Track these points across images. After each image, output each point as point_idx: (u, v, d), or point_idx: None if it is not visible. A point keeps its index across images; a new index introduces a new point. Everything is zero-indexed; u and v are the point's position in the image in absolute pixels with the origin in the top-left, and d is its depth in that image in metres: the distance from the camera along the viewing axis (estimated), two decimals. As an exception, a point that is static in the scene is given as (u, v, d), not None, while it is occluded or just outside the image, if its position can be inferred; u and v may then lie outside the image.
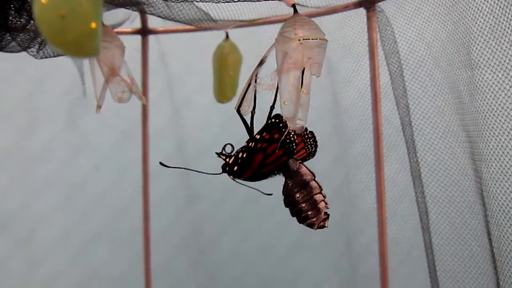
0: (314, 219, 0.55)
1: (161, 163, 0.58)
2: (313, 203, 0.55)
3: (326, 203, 0.55)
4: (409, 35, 0.82)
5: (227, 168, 0.56)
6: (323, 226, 0.56)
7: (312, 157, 0.60)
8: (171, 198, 1.17)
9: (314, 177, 0.56)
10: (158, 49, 1.07)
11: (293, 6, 0.57)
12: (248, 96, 0.57)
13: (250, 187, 0.58)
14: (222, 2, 0.60)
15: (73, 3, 0.33)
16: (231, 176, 0.56)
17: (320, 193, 0.56)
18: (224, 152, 0.57)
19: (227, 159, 0.56)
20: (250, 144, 0.55)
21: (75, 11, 0.33)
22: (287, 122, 0.52)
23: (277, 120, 0.54)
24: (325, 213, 0.55)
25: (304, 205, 0.55)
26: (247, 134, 0.58)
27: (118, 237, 1.15)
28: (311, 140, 0.59)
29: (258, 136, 0.55)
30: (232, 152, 0.57)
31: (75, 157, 1.13)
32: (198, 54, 1.06)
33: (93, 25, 0.34)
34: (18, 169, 1.09)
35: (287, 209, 0.57)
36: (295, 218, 0.57)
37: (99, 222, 1.14)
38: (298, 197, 0.55)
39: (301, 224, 0.56)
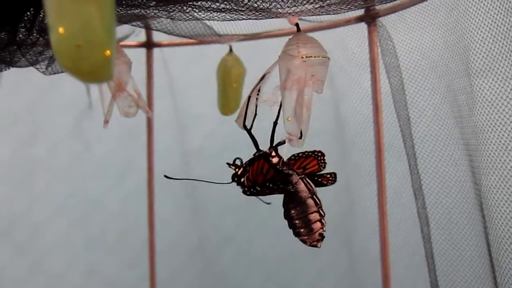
0: (305, 237, 0.56)
1: (165, 176, 0.60)
2: (306, 221, 0.56)
3: (323, 224, 0.56)
4: (410, 48, 0.83)
5: (236, 178, 0.58)
6: (315, 246, 0.56)
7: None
8: (177, 207, 1.19)
9: (313, 194, 0.56)
10: (163, 61, 1.09)
11: (296, 24, 0.59)
12: (249, 110, 0.59)
13: (262, 200, 0.59)
14: (228, 20, 0.62)
15: (89, 34, 0.35)
16: (239, 186, 0.58)
17: (318, 211, 0.56)
18: (234, 162, 0.58)
19: (237, 170, 0.58)
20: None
21: (91, 41, 0.35)
22: (287, 139, 0.54)
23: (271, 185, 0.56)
24: (320, 234, 0.56)
25: (298, 222, 0.56)
26: (249, 143, 0.59)
27: (121, 246, 1.16)
28: (321, 158, 0.60)
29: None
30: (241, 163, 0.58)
31: (79, 167, 1.14)
32: (202, 65, 1.07)
33: (108, 53, 0.35)
34: (21, 177, 1.11)
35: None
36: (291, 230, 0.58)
37: (102, 230, 1.15)
38: (293, 213, 0.56)
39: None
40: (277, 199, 0.58)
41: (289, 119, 0.53)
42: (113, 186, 1.16)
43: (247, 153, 0.59)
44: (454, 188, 0.80)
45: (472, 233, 0.77)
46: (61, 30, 0.34)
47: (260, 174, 0.56)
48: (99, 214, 1.15)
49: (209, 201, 1.19)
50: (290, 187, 0.56)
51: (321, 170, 0.60)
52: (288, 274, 1.22)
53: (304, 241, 0.57)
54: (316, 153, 0.60)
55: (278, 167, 0.56)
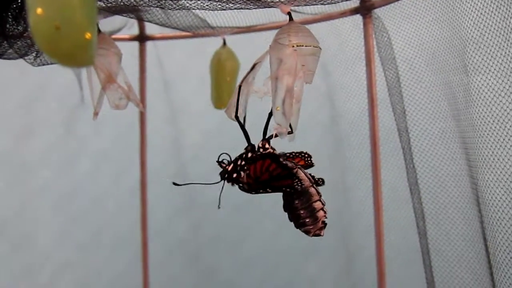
0: (311, 227, 0.56)
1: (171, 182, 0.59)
2: (311, 210, 0.55)
3: (325, 212, 0.56)
4: (406, 40, 0.82)
5: (226, 175, 0.57)
6: (318, 235, 0.56)
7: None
8: (169, 202, 1.18)
9: (313, 183, 0.56)
10: (155, 54, 1.08)
11: (289, 13, 0.58)
12: (241, 101, 0.58)
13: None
14: (219, 10, 0.61)
15: (67, 14, 0.33)
16: (230, 183, 0.57)
17: (319, 200, 0.56)
18: (222, 160, 0.57)
19: (227, 167, 0.57)
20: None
21: (69, 22, 0.33)
22: (277, 132, 0.53)
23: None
24: (323, 222, 0.56)
25: (303, 212, 0.56)
26: (242, 138, 0.58)
27: (115, 242, 1.15)
28: (308, 159, 0.60)
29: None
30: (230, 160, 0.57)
31: (72, 162, 1.13)
32: (195, 58, 1.06)
33: (88, 35, 0.34)
34: (15, 173, 1.10)
35: (281, 214, 0.58)
36: (291, 223, 0.57)
37: (96, 227, 1.14)
38: (297, 203, 0.55)
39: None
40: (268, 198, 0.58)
41: (278, 109, 0.52)
42: (108, 183, 1.15)
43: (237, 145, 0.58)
44: (450, 183, 0.79)
45: (468, 228, 0.76)
46: (39, 11, 0.33)
47: (265, 172, 0.55)
48: (94, 212, 1.14)
49: (205, 198, 1.18)
50: (297, 182, 0.55)
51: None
52: (284, 272, 1.21)
53: (308, 231, 0.56)
54: (303, 154, 0.60)
55: (288, 165, 0.55)
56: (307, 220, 0.55)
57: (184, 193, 1.19)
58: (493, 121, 0.64)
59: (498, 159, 0.64)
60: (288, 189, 0.55)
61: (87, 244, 1.14)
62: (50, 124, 1.11)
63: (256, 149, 0.57)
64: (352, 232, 1.13)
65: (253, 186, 0.56)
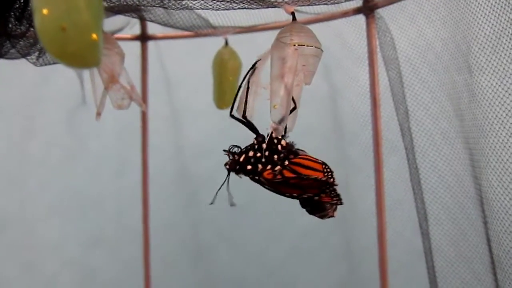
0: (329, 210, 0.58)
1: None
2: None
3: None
4: (409, 40, 0.82)
5: (238, 167, 0.55)
6: (332, 216, 0.58)
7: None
8: (170, 202, 1.17)
9: None
10: (157, 54, 1.07)
11: (292, 13, 0.57)
12: (249, 100, 0.58)
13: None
14: (222, 10, 0.60)
15: (74, 15, 0.33)
16: (240, 174, 0.55)
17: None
18: (230, 150, 0.56)
19: (236, 157, 0.55)
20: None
21: (76, 23, 0.33)
22: (272, 129, 0.53)
23: None
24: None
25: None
26: (246, 138, 0.58)
27: (116, 241, 1.15)
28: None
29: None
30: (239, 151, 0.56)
31: (73, 161, 1.13)
32: (197, 58, 1.06)
33: (94, 36, 0.34)
34: (16, 173, 1.09)
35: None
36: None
37: (97, 226, 1.14)
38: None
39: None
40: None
41: (275, 107, 0.52)
42: (109, 183, 1.15)
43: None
44: (454, 183, 0.79)
45: (471, 228, 0.76)
46: (45, 11, 0.33)
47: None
48: (94, 212, 1.14)
49: (205, 196, 1.18)
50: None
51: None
52: (286, 271, 1.20)
53: (327, 214, 0.58)
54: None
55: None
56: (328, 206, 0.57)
57: (185, 192, 1.19)
58: (497, 121, 0.64)
59: (502, 160, 0.63)
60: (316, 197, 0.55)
61: (87, 244, 1.14)
62: (51, 122, 1.11)
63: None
64: (355, 231, 1.13)
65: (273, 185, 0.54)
